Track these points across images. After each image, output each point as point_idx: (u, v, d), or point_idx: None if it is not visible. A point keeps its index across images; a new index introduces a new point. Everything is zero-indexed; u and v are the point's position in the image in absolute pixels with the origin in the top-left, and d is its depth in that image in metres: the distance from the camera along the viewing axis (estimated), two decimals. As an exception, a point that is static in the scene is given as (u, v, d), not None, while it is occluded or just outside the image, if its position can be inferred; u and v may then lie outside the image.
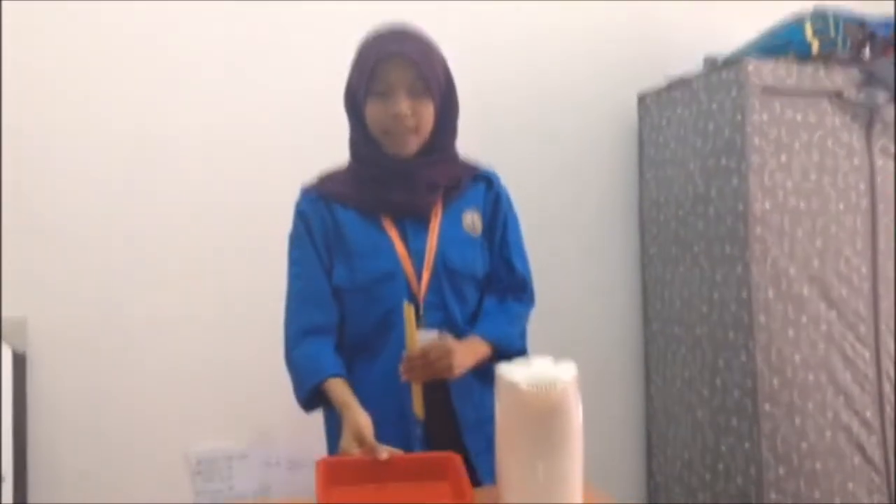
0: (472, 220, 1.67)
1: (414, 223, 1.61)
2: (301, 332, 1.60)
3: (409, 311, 1.50)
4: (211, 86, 2.33)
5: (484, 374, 1.58)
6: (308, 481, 2.27)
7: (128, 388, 2.27)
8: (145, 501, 2.26)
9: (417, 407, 1.53)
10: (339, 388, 1.52)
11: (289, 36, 2.39)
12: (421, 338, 1.52)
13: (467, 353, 1.56)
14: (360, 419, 1.45)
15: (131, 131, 2.27)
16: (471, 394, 1.60)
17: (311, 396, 1.57)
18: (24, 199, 2.19)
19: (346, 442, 1.43)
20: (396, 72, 1.55)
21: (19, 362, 2.12)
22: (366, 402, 1.51)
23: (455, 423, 1.60)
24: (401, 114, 1.55)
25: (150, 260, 2.30)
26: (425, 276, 1.59)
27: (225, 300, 2.35)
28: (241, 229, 2.35)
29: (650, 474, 2.65)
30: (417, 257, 1.59)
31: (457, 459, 1.39)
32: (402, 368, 1.51)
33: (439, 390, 1.56)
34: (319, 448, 1.78)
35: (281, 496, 2.35)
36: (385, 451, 1.39)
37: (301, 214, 1.66)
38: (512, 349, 1.62)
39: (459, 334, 1.59)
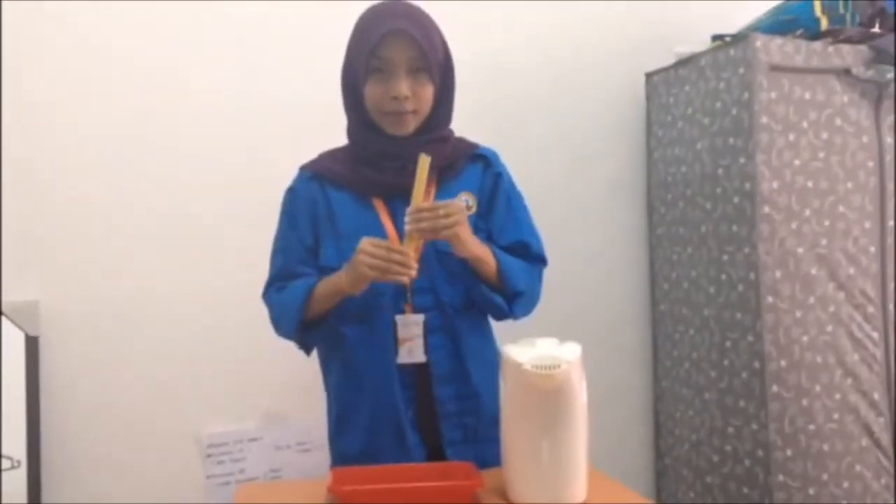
0: (466, 201, 1.64)
1: (404, 204, 1.55)
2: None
3: (423, 162, 1.47)
4: (221, 73, 2.34)
5: (475, 367, 1.59)
6: (319, 463, 2.31)
7: (140, 371, 2.29)
8: (157, 483, 2.29)
9: (410, 253, 1.48)
10: (322, 281, 1.56)
11: (291, 25, 2.38)
12: (407, 321, 1.56)
13: (475, 240, 1.55)
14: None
15: (141, 114, 2.27)
16: (453, 381, 1.59)
17: (301, 319, 1.58)
18: (34, 182, 2.19)
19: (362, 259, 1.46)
20: (398, 49, 1.52)
21: (32, 346, 2.13)
22: (360, 384, 1.55)
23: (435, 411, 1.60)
24: (400, 95, 1.53)
25: (162, 242, 2.30)
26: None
27: (238, 283, 2.30)
28: (256, 213, 2.31)
29: (658, 455, 2.65)
30: None
31: (469, 466, 1.41)
32: (407, 219, 1.47)
33: (421, 375, 1.57)
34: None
35: (292, 478, 2.36)
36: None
37: (290, 192, 1.68)
38: (511, 281, 1.58)
39: (449, 318, 1.59)
